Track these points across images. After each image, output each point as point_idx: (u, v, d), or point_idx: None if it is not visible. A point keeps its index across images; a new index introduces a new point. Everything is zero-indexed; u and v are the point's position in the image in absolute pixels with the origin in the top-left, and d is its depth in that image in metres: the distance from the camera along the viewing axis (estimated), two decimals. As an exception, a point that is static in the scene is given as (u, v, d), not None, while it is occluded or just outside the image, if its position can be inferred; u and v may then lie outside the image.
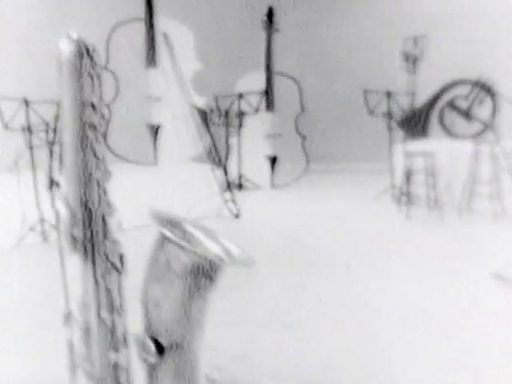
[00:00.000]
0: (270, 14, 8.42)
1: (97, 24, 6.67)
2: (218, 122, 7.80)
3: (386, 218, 6.31)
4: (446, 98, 7.62)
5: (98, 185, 1.53)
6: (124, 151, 6.73)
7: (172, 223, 1.65)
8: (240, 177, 8.12)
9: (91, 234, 1.54)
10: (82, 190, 1.50)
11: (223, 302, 2.00)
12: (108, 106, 6.73)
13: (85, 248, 1.53)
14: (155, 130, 7.06)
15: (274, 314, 3.59)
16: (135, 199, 5.65)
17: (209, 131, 7.04)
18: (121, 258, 1.60)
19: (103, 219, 1.55)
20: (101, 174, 1.53)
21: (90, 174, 1.51)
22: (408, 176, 6.46)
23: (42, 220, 5.44)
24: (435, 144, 6.91)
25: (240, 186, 8.05)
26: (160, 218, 1.63)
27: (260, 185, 8.25)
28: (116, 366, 1.60)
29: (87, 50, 1.48)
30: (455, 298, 3.78)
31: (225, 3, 8.65)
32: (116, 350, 1.59)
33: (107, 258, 1.56)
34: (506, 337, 3.15)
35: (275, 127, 8.47)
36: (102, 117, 1.52)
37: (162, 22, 7.03)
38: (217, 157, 6.94)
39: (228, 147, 8.03)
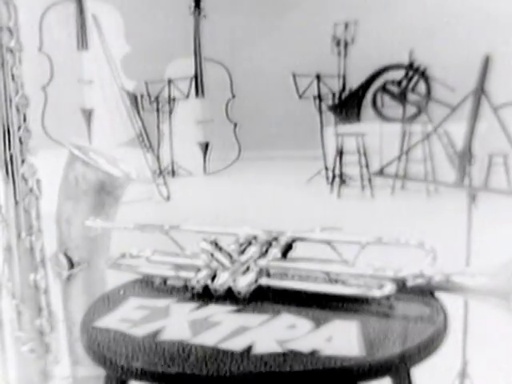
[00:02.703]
0: (198, 0, 8.33)
1: (29, 4, 6.49)
2: (148, 107, 7.70)
3: (319, 199, 6.31)
4: (379, 81, 7.64)
5: (18, 110, 1.61)
6: (60, 136, 6.58)
7: (80, 148, 1.81)
8: (173, 163, 8.03)
9: (10, 157, 1.62)
10: (3, 114, 1.59)
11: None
12: (44, 89, 6.61)
13: (6, 169, 1.63)
14: (88, 114, 6.96)
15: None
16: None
17: (139, 116, 6.96)
18: (37, 182, 1.70)
19: (21, 143, 1.64)
20: (19, 99, 1.61)
21: (10, 99, 1.59)
22: (340, 156, 6.47)
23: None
24: (367, 126, 6.93)
25: (173, 173, 7.96)
26: (72, 144, 1.82)
27: (193, 171, 8.19)
28: (35, 286, 1.69)
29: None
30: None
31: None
32: (35, 270, 1.69)
33: (26, 182, 1.66)
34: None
35: (206, 113, 8.42)
36: (19, 43, 1.60)
37: (91, 3, 6.90)
38: (148, 141, 6.86)
39: (159, 133, 7.93)
